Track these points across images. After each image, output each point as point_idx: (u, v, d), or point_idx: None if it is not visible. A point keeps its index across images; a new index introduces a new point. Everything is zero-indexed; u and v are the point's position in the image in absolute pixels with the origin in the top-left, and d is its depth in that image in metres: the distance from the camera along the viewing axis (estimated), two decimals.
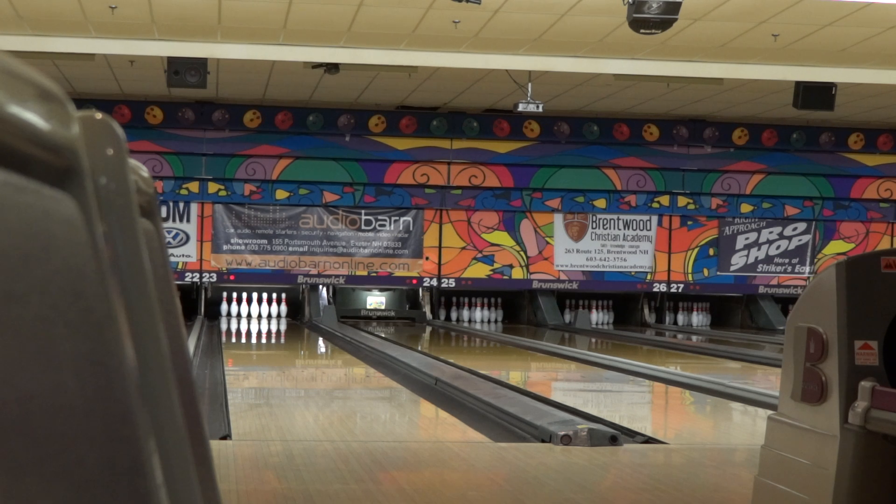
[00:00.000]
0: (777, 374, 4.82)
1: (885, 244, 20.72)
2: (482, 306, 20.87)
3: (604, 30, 12.69)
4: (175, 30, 12.97)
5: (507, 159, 19.80)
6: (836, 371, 3.47)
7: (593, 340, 17.64)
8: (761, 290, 20.68)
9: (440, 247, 20.03)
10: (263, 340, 17.15)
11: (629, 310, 21.14)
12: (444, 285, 20.12)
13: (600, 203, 20.26)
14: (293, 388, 10.49)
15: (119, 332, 0.68)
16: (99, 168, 0.75)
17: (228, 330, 18.06)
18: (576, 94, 17.26)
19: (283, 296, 20.21)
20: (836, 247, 20.71)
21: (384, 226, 19.88)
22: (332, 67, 14.57)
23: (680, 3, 10.74)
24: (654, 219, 20.50)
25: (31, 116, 0.59)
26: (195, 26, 12.79)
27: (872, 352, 3.45)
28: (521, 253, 20.23)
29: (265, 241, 19.58)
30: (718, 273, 20.71)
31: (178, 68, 13.77)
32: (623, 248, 20.45)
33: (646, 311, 20.97)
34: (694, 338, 18.68)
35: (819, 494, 3.48)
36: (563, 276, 20.33)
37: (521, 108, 15.30)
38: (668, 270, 20.56)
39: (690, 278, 20.62)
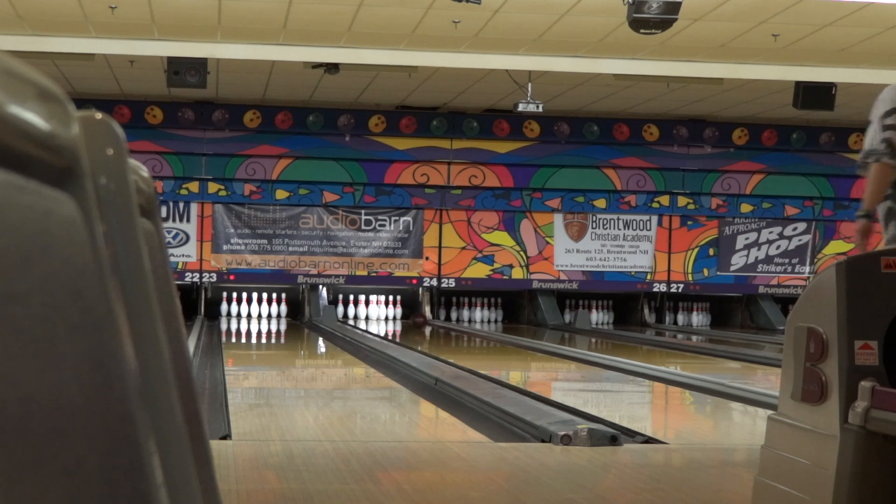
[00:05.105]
0: (777, 374, 4.81)
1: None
2: (482, 306, 20.85)
3: (604, 30, 12.69)
4: (175, 30, 12.98)
5: (507, 159, 19.79)
6: (836, 371, 3.47)
7: (593, 340, 17.62)
8: (761, 290, 20.67)
9: (440, 247, 20.03)
10: (263, 340, 17.15)
11: (629, 310, 21.13)
12: (444, 285, 20.12)
13: (600, 203, 20.26)
14: (293, 388, 10.49)
15: (119, 332, 0.68)
16: (99, 168, 0.75)
17: (228, 330, 18.06)
18: (576, 94, 17.26)
19: (283, 296, 20.20)
20: (836, 247, 20.70)
21: (384, 226, 19.87)
22: (332, 67, 14.57)
23: (680, 3, 10.75)
24: (654, 219, 20.50)
25: (31, 116, 0.59)
26: (195, 26, 12.79)
27: (872, 352, 3.45)
28: (521, 253, 20.23)
29: (265, 241, 19.57)
30: (718, 273, 20.70)
31: (178, 68, 13.77)
32: (623, 248, 20.44)
33: (646, 311, 20.95)
34: (694, 338, 18.67)
35: (819, 494, 3.48)
36: (563, 276, 20.33)
37: (521, 108, 15.30)
38: (668, 270, 20.56)
39: (690, 278, 20.61)
